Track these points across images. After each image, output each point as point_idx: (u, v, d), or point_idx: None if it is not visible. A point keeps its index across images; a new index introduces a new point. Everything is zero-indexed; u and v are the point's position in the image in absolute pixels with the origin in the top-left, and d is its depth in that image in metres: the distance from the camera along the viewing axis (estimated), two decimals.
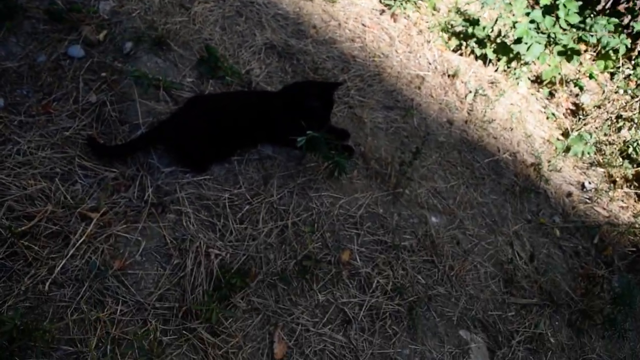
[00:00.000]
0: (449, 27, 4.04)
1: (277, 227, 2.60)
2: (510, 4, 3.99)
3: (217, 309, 2.21)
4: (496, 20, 3.86)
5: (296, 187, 2.77)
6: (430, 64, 3.91)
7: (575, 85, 4.40)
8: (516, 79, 4.03)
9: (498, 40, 3.96)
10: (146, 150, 2.74)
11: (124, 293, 2.21)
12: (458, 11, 4.11)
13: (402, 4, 3.95)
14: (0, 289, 2.10)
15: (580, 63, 4.41)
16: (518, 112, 3.90)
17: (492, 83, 4.01)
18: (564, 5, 3.89)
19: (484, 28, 3.88)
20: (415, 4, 4.07)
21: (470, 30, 3.94)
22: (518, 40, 3.78)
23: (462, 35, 4.04)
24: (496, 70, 4.04)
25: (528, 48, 3.77)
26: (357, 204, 2.85)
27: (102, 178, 2.64)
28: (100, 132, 2.85)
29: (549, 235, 3.39)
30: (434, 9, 4.15)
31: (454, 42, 4.04)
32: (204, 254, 2.42)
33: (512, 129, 3.84)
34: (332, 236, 2.67)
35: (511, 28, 3.85)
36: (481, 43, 3.92)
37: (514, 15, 3.95)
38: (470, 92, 3.83)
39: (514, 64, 4.01)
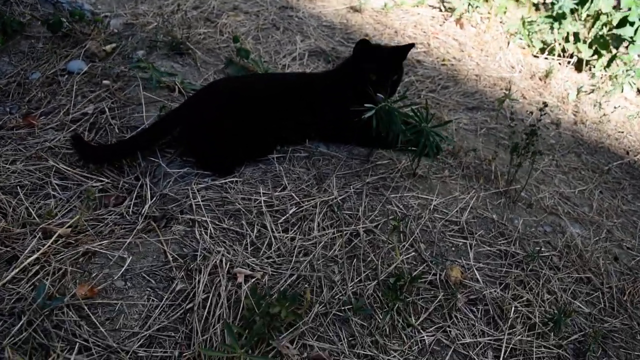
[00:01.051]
0: (530, 28, 3.28)
1: (342, 235, 1.65)
2: None
3: (249, 359, 1.23)
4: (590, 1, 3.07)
5: (365, 186, 1.86)
6: (513, 67, 3.11)
7: None
8: (620, 84, 3.13)
9: (593, 33, 3.13)
10: (149, 149, 1.95)
11: (87, 334, 1.28)
12: (537, 7, 3.36)
13: (470, 7, 3.25)
14: None
15: None
16: (636, 114, 2.96)
17: (592, 86, 3.13)
18: None
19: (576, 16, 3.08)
20: (484, 8, 3.38)
21: (556, 26, 3.16)
22: (622, 23, 2.94)
23: (546, 33, 3.26)
24: (592, 76, 3.17)
25: (637, 30, 2.90)
26: (458, 206, 1.88)
27: (86, 189, 1.82)
28: (92, 141, 2.10)
29: None
30: (505, 13, 3.43)
31: (537, 44, 3.25)
32: (226, 275, 1.48)
33: (634, 131, 2.88)
34: (429, 247, 1.69)
35: (609, 15, 3.03)
36: (575, 38, 3.11)
37: None
38: (569, 93, 2.94)
39: (614, 66, 3.14)
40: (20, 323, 1.27)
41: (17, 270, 1.42)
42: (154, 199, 1.80)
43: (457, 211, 1.86)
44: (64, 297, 1.34)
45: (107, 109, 2.25)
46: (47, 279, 1.40)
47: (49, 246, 1.51)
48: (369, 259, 1.61)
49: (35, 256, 1.47)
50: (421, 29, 3.24)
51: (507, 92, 2.68)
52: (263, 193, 1.78)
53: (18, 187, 1.86)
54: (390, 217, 1.75)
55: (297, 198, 1.76)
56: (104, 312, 1.36)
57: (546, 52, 3.25)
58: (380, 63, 1.90)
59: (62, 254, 1.51)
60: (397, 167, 1.98)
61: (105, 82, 2.43)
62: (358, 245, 1.64)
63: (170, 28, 2.74)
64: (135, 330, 1.32)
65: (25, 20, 2.73)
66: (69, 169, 1.94)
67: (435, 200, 1.87)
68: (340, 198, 1.78)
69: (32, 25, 2.76)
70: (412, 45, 1.98)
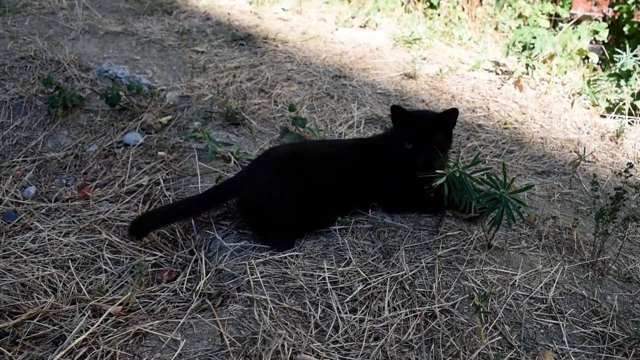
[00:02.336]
0: (594, 88, 3.13)
1: (416, 316, 1.47)
2: None
3: None
4: None
5: (437, 260, 1.69)
6: (580, 128, 2.93)
7: None
8: None
9: None
10: (199, 215, 1.86)
11: None
12: (589, 80, 3.20)
13: (527, 67, 3.15)
14: None
15: None
16: None
17: None
18: None
19: None
20: (543, 70, 3.27)
21: (623, 84, 3.00)
22: None
23: (611, 92, 3.09)
24: None
25: None
26: (542, 281, 1.68)
27: (138, 264, 1.73)
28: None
29: None
30: (565, 73, 3.30)
31: (603, 104, 3.08)
32: None
33: None
34: (515, 330, 1.49)
35: None
36: None
37: None
38: None
39: None
40: None
41: (62, 352, 1.30)
42: (209, 274, 1.68)
43: (541, 287, 1.65)
44: None
45: (161, 180, 2.21)
46: None
47: (98, 326, 1.40)
48: (449, 343, 1.41)
49: (83, 337, 1.35)
50: (479, 92, 3.14)
51: (578, 154, 2.50)
52: (327, 269, 1.63)
53: (70, 261, 1.79)
54: (468, 295, 1.56)
55: (363, 274, 1.60)
56: None
57: (614, 111, 3.07)
58: (418, 131, 1.79)
59: (111, 334, 1.39)
60: (469, 238, 1.81)
61: (160, 153, 2.41)
62: (435, 328, 1.45)
63: (225, 99, 2.74)
64: None
65: (85, 95, 2.80)
66: (121, 242, 1.87)
67: (517, 275, 1.68)
68: (411, 274, 1.62)
69: (91, 99, 2.82)
70: (454, 111, 1.83)
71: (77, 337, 1.34)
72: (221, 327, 1.42)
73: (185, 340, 1.36)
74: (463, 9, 4.72)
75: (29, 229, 2.00)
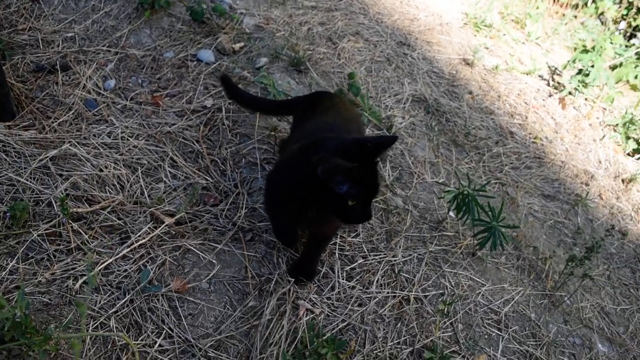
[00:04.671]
0: (629, 127, 3.30)
1: (395, 297, 1.87)
2: None
3: None
4: None
5: (427, 254, 2.06)
6: (600, 162, 3.16)
7: None
8: None
9: None
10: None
11: (172, 323, 1.56)
12: (633, 118, 3.35)
13: (575, 90, 3.31)
14: (22, 270, 1.54)
15: None
16: None
17: None
18: None
19: None
20: (591, 95, 3.41)
21: None
22: None
23: None
24: None
25: None
26: (503, 297, 2.05)
27: (192, 184, 2.11)
28: (205, 137, 2.38)
29: None
30: (611, 103, 3.45)
31: (631, 144, 3.27)
32: (291, 304, 1.72)
33: None
34: (465, 329, 1.88)
35: None
36: None
37: None
38: None
39: None
40: (124, 299, 1.57)
41: (127, 249, 1.72)
42: (246, 210, 2.06)
43: (500, 302, 2.03)
44: (161, 286, 1.63)
45: (223, 108, 2.53)
46: (150, 265, 1.69)
47: (157, 234, 1.81)
48: (411, 325, 1.81)
49: (143, 241, 1.76)
50: (524, 99, 3.34)
51: (587, 186, 2.77)
52: (340, 236, 2.01)
53: (137, 164, 2.17)
54: (440, 292, 1.94)
55: (365, 250, 1.98)
56: (188, 307, 1.64)
57: (638, 155, 3.28)
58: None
59: (164, 244, 1.80)
60: (460, 243, 2.16)
61: None
62: (406, 310, 1.85)
63: (295, 42, 2.98)
64: (209, 332, 1.60)
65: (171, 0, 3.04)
66: (181, 159, 2.24)
67: (485, 286, 2.04)
68: (402, 260, 1.99)
69: (176, 4, 3.06)
70: (395, 139, 1.44)
71: (139, 240, 1.75)
72: (247, 261, 1.83)
73: (219, 266, 1.77)
74: None
75: (105, 122, 2.36)
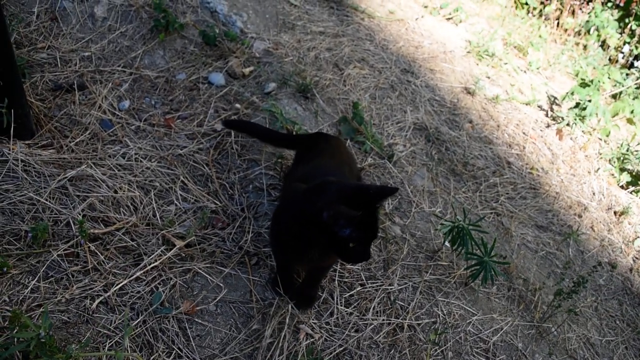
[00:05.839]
0: (623, 160, 3.42)
1: (390, 324, 1.98)
2: None
3: None
4: None
5: (422, 283, 2.17)
6: (594, 194, 3.27)
7: None
8: None
9: None
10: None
11: (182, 344, 1.67)
12: (629, 149, 3.47)
13: (572, 122, 3.43)
14: (43, 289, 1.65)
15: None
16: None
17: None
18: None
19: None
20: (588, 127, 3.53)
21: None
22: None
23: (636, 173, 3.39)
24: None
25: None
26: (492, 327, 2.16)
27: (201, 207, 2.23)
28: (214, 160, 2.50)
29: None
30: (607, 135, 3.57)
31: (625, 177, 3.39)
32: (292, 328, 1.83)
33: None
34: (455, 357, 1.99)
35: None
36: None
37: None
38: (639, 237, 3.10)
39: None
40: (138, 320, 1.68)
41: (140, 272, 1.83)
42: (252, 234, 2.17)
43: (489, 331, 2.14)
44: (172, 308, 1.74)
45: (232, 133, 2.65)
46: (162, 287, 1.80)
47: (168, 257, 1.92)
48: (404, 352, 1.92)
49: (155, 263, 1.87)
50: (522, 129, 3.45)
51: (578, 220, 2.88)
52: (340, 263, 2.12)
53: (150, 186, 2.28)
54: (433, 320, 2.05)
55: (363, 278, 2.09)
56: (197, 329, 1.75)
57: (631, 188, 3.39)
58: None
59: (174, 266, 1.91)
60: (454, 273, 2.27)
61: (237, 105, 2.83)
62: (399, 337, 1.96)
63: (302, 68, 3.10)
64: (216, 352, 1.71)
65: (184, 22, 3.17)
66: (191, 182, 2.35)
67: (476, 315, 2.15)
68: (398, 289, 2.10)
69: (190, 27, 3.19)
70: (396, 190, 1.54)
71: (152, 262, 1.86)
72: (252, 286, 1.94)
73: (225, 289, 1.88)
74: (549, 20, 4.85)
75: (120, 142, 2.48)
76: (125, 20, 3.12)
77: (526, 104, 3.63)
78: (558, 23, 5.01)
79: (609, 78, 3.61)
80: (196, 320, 1.77)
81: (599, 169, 3.39)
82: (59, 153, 2.31)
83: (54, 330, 1.56)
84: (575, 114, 3.37)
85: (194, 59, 3.06)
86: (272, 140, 2.40)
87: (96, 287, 1.72)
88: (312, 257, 1.59)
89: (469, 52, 3.90)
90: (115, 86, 2.78)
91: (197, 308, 1.79)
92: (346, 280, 2.07)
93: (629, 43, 5.03)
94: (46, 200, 2.01)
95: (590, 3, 5.08)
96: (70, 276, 1.73)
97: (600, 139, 3.63)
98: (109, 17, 3.04)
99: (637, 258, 3.06)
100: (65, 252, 1.80)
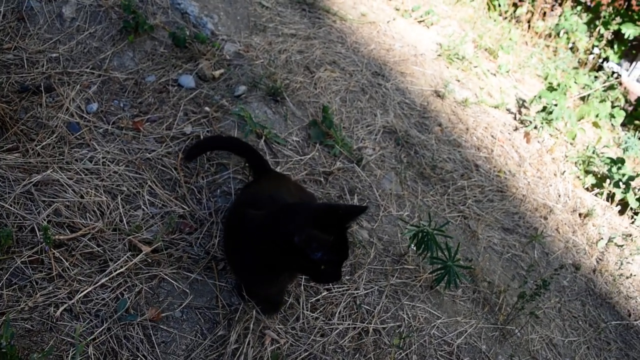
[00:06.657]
0: (588, 163, 3.51)
1: (355, 328, 2.01)
2: None
3: None
4: None
5: (388, 287, 2.21)
6: (560, 196, 3.35)
7: None
8: None
9: None
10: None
11: (146, 351, 1.67)
12: (595, 152, 3.57)
13: (540, 125, 3.51)
14: (6, 297, 1.64)
15: None
16: None
17: (627, 236, 3.34)
18: None
19: (628, 178, 3.30)
20: (555, 130, 3.62)
21: (613, 170, 3.38)
22: None
23: (600, 176, 3.48)
24: (633, 222, 3.39)
25: None
26: (457, 330, 2.21)
27: (169, 212, 2.23)
28: (182, 164, 2.49)
29: None
30: (573, 139, 3.67)
31: (590, 179, 3.48)
32: (257, 334, 1.85)
33: None
34: None
35: None
36: (625, 186, 3.33)
37: None
38: (602, 239, 3.19)
39: None
40: (102, 327, 1.68)
41: (106, 278, 1.83)
42: (219, 239, 2.18)
43: (454, 334, 2.19)
44: (137, 315, 1.74)
45: (202, 136, 2.64)
46: (128, 294, 1.80)
47: (134, 263, 1.92)
48: (369, 356, 1.96)
49: (121, 270, 1.87)
50: (491, 132, 3.52)
51: (544, 222, 2.95)
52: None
53: (117, 191, 2.27)
54: (398, 324, 2.09)
55: (330, 284, 2.11)
56: (162, 335, 1.76)
57: (596, 190, 3.48)
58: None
59: (140, 272, 1.91)
60: (419, 277, 2.31)
61: (206, 108, 2.82)
62: (364, 342, 1.99)
63: (273, 71, 3.11)
64: (181, 359, 1.72)
65: (154, 23, 3.14)
66: (159, 187, 2.35)
67: (441, 319, 2.20)
68: (364, 293, 2.13)
69: (159, 29, 3.17)
70: (365, 209, 1.57)
71: (117, 269, 1.86)
72: (218, 291, 1.95)
73: (191, 295, 1.89)
74: (521, 22, 4.94)
75: (87, 146, 2.46)
76: (94, 21, 3.08)
77: (495, 107, 3.69)
78: (529, 26, 5.10)
79: (575, 83, 3.71)
80: (161, 326, 1.77)
81: (565, 171, 3.48)
82: (25, 157, 2.28)
83: (17, 339, 1.56)
84: (543, 117, 3.45)
85: (163, 61, 3.04)
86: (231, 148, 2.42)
87: (60, 294, 1.72)
88: (282, 280, 1.60)
89: (439, 55, 3.96)
90: (84, 88, 2.75)
91: (163, 314, 1.80)
92: (312, 285, 2.09)
93: (597, 46, 5.15)
94: (10, 205, 1.99)
95: (560, 6, 5.19)
96: (34, 283, 1.72)
97: (567, 142, 3.72)
98: (78, 17, 3.00)
99: (600, 259, 3.15)
100: (29, 258, 1.79)
